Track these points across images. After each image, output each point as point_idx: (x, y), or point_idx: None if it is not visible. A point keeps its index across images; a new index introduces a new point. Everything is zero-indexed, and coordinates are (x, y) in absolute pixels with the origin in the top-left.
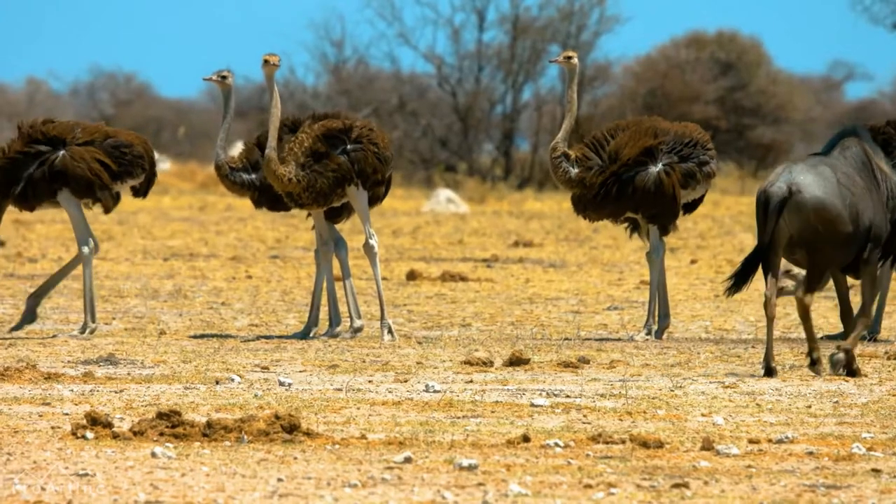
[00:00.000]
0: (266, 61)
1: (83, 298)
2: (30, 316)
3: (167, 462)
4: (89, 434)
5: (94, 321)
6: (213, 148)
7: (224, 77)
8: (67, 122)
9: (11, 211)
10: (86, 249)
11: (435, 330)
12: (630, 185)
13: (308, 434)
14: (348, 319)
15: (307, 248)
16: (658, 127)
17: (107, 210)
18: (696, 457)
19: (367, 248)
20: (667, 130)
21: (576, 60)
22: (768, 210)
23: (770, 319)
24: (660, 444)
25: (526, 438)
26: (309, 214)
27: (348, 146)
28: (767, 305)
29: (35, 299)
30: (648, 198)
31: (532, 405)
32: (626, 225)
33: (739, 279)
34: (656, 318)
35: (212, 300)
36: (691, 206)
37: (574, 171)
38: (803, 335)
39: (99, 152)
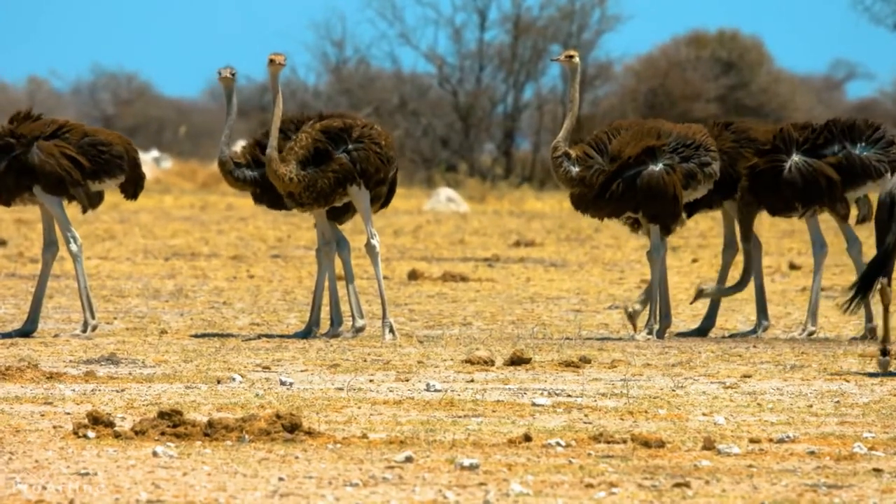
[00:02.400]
0: (272, 60)
1: (79, 296)
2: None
3: (168, 461)
4: (91, 433)
5: (93, 318)
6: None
7: (232, 74)
8: (44, 120)
9: (13, 210)
10: (73, 247)
11: (436, 329)
12: (630, 185)
13: (309, 433)
14: (350, 319)
15: (308, 247)
16: (661, 128)
17: (84, 209)
18: (698, 456)
19: (369, 248)
20: (669, 131)
21: (577, 59)
22: (894, 212)
23: (886, 306)
24: (661, 444)
25: (527, 438)
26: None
27: (350, 146)
28: (884, 293)
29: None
30: (649, 197)
31: (533, 404)
32: (629, 223)
33: (864, 286)
34: (657, 318)
35: (213, 299)
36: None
37: (575, 170)
38: (804, 336)
39: (70, 148)
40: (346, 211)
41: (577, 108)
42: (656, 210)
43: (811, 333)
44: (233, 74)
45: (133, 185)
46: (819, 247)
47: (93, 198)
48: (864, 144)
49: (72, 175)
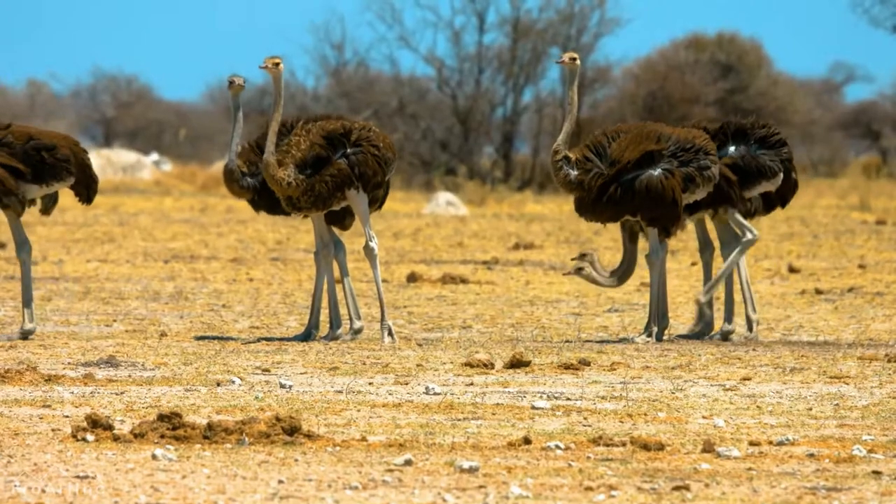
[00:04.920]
0: (276, 64)
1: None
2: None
3: (168, 464)
4: (90, 436)
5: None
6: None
7: (277, 64)
8: None
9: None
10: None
11: (435, 332)
12: (629, 189)
13: (309, 436)
14: (348, 321)
15: (308, 250)
16: (660, 132)
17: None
18: (697, 459)
19: (368, 251)
20: (668, 135)
21: (578, 62)
22: None
23: None
24: (660, 447)
25: (527, 440)
26: (306, 216)
27: (349, 149)
28: None
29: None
30: (648, 201)
31: (533, 407)
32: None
33: None
34: (657, 321)
35: (213, 302)
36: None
37: (574, 173)
38: (804, 338)
39: (3, 156)
40: (346, 216)
41: (577, 110)
42: (656, 214)
43: (756, 322)
44: (243, 83)
45: (86, 189)
46: (737, 239)
47: (46, 201)
48: (758, 145)
49: (4, 184)
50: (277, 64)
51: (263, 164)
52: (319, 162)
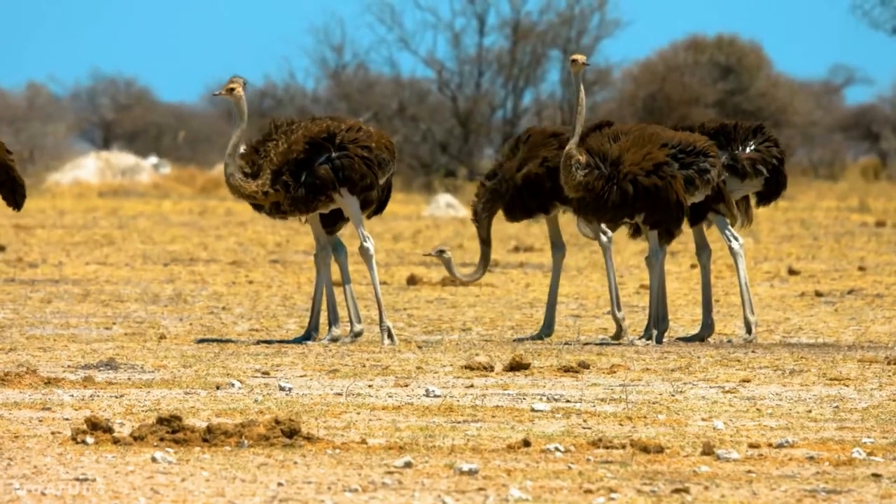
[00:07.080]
0: (236, 82)
1: None
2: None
3: (167, 467)
4: (89, 439)
5: None
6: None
7: (232, 89)
8: None
9: (12, 216)
10: None
11: (435, 334)
12: (633, 191)
13: (308, 439)
14: (348, 324)
15: (307, 252)
16: (662, 135)
17: None
18: (697, 462)
19: (363, 252)
20: (670, 138)
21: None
22: None
23: None
24: (660, 449)
25: (526, 443)
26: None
27: (333, 153)
28: None
29: None
30: (650, 204)
31: (532, 410)
32: (630, 229)
33: None
34: (657, 323)
35: (212, 305)
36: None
37: (580, 174)
38: (804, 340)
39: None
40: (337, 220)
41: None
42: (659, 217)
43: (754, 324)
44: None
45: (11, 192)
46: (558, 248)
47: None
48: None
49: None
50: (232, 90)
51: (229, 186)
52: (300, 166)
